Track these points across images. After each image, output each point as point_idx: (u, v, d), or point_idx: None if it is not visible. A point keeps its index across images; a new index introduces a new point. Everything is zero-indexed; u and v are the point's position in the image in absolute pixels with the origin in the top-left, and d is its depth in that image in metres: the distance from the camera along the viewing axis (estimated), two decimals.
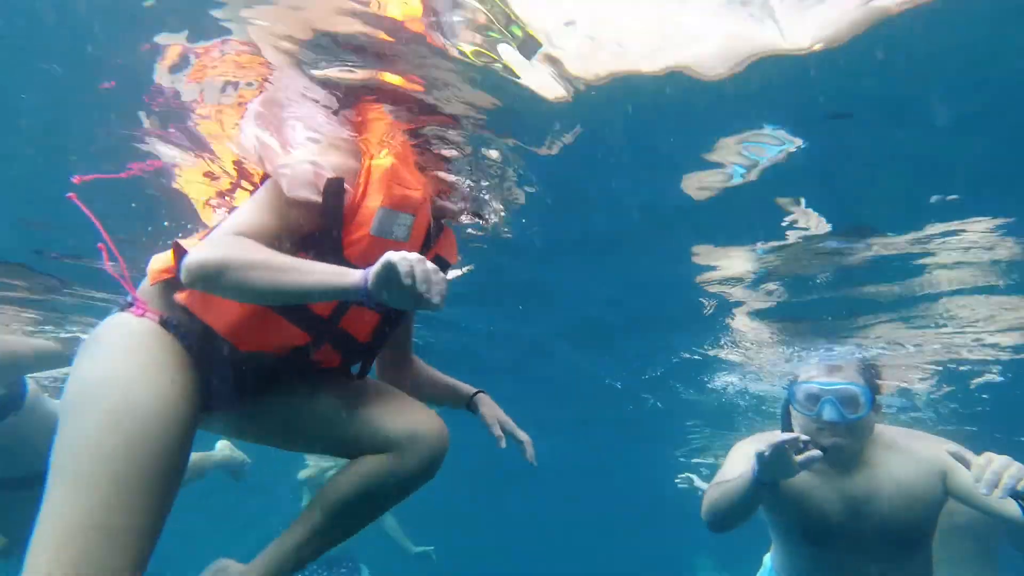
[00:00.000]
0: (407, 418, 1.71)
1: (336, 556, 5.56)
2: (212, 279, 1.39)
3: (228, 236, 1.48)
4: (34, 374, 3.97)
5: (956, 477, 2.43)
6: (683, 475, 4.86)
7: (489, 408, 1.98)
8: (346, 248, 1.61)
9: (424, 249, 1.80)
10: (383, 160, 1.72)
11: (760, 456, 2.13)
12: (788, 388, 2.69)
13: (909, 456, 2.54)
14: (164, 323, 1.59)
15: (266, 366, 1.70)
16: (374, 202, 1.63)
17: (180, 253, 1.54)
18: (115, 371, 1.46)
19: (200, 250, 1.41)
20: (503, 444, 1.89)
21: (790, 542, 2.79)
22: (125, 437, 1.38)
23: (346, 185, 1.61)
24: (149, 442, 1.40)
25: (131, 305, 1.63)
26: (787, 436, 2.08)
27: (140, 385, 1.45)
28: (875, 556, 2.54)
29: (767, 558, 3.32)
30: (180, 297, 1.58)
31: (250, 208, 1.58)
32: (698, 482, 4.79)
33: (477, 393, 2.03)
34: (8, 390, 3.47)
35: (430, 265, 1.32)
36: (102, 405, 1.41)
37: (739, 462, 2.59)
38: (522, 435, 1.92)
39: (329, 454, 1.88)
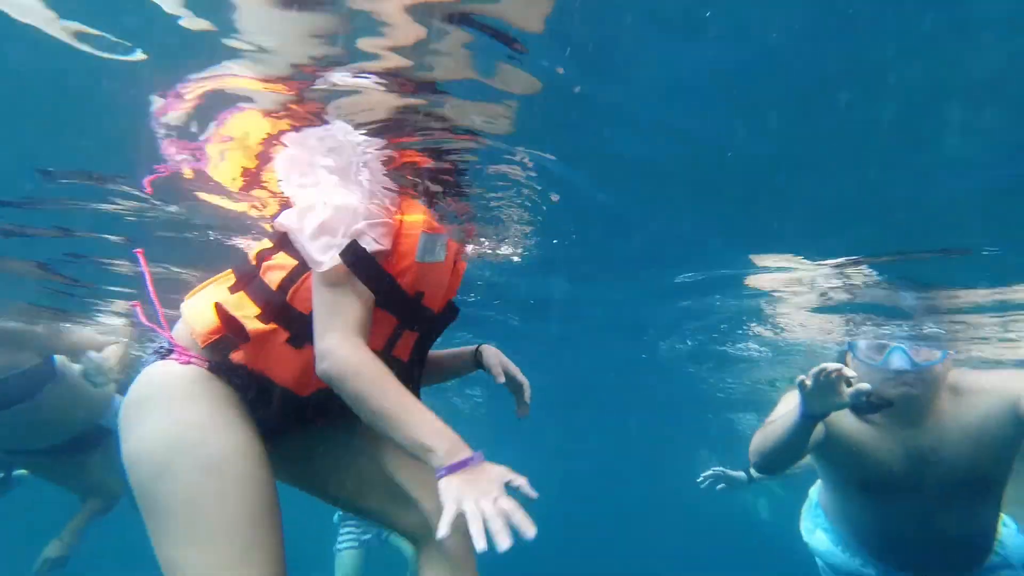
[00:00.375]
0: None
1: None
2: (340, 390, 1.47)
3: (356, 342, 1.50)
4: None
5: None
6: (708, 472, 3.93)
7: (493, 355, 2.02)
8: (397, 278, 1.64)
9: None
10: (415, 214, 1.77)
11: (802, 387, 2.01)
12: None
13: (978, 396, 2.35)
14: (213, 369, 1.61)
15: (314, 402, 1.73)
16: (414, 230, 1.67)
17: (226, 319, 1.58)
18: (194, 424, 1.49)
19: (342, 356, 1.46)
20: (501, 379, 1.94)
21: (847, 491, 2.71)
22: (233, 483, 1.44)
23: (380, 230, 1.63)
24: (254, 482, 1.48)
25: (170, 352, 1.64)
26: (827, 367, 1.97)
27: (223, 432, 1.50)
28: (939, 505, 2.43)
29: (813, 491, 3.26)
30: (237, 356, 1.60)
31: (348, 294, 1.55)
32: (730, 472, 3.95)
33: (480, 346, 2.06)
34: (42, 358, 3.58)
35: (493, 508, 1.27)
36: (197, 461, 1.44)
37: (791, 405, 2.46)
38: (522, 378, 1.97)
39: (357, 511, 1.92)
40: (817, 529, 3.12)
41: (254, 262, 1.72)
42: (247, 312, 1.60)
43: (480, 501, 1.27)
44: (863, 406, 2.39)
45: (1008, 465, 2.41)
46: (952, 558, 2.60)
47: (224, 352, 1.61)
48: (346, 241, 1.55)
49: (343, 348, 1.46)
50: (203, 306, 1.65)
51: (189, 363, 1.60)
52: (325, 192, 2.21)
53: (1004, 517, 2.73)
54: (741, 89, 1.70)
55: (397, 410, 1.43)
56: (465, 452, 1.39)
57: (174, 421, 1.49)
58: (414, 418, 1.42)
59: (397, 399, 1.44)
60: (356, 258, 1.55)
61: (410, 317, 1.71)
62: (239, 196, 2.53)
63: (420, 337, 1.81)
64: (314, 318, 1.53)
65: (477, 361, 2.03)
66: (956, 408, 2.38)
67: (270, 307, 1.61)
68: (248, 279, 1.68)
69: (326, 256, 1.54)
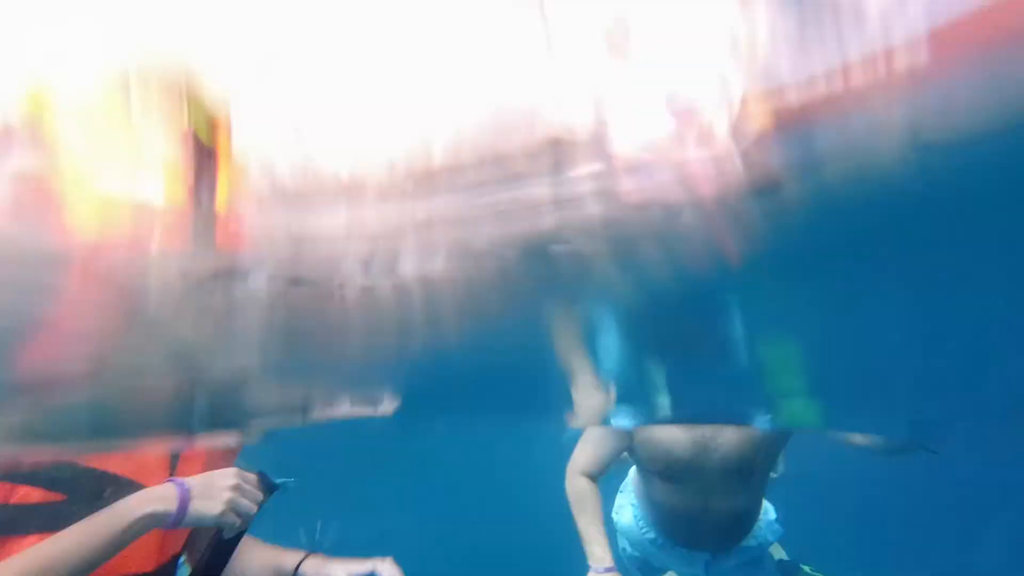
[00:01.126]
0: None
1: None
2: None
3: None
4: None
5: None
6: None
7: (325, 569, 1.63)
8: None
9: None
10: None
11: None
12: None
13: None
14: None
15: None
16: None
17: None
18: None
19: None
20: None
21: (647, 476, 3.09)
22: None
23: None
24: None
25: None
26: None
27: None
28: (714, 488, 2.84)
29: (633, 471, 3.60)
30: None
31: None
32: None
33: (304, 559, 1.65)
34: None
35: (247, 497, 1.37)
36: None
37: (606, 439, 2.88)
38: (372, 563, 1.64)
39: None
40: (627, 505, 3.52)
41: None
42: None
43: (237, 501, 1.35)
44: None
45: (772, 460, 2.86)
46: (719, 535, 3.05)
47: None
48: None
49: None
50: None
51: None
52: None
53: (766, 504, 3.20)
54: None
55: (75, 540, 1.19)
56: (171, 485, 1.31)
57: None
58: (98, 520, 1.22)
59: (53, 543, 1.19)
60: None
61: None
62: None
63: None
64: None
65: None
66: None
67: None
68: None
69: None
